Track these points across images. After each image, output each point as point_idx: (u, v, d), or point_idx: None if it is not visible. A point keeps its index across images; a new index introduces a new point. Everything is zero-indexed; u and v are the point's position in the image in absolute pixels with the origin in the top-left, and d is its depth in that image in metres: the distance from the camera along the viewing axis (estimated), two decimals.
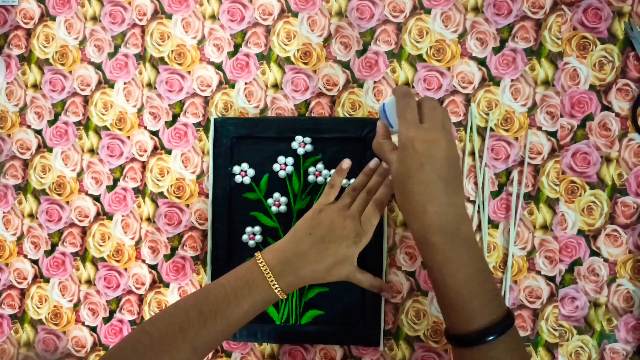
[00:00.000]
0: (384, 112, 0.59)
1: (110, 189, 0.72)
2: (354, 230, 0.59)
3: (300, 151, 0.68)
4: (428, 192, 0.51)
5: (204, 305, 0.54)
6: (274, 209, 0.68)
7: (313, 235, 0.58)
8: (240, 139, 0.69)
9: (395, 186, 0.54)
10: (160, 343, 0.52)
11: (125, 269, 0.71)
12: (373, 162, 0.64)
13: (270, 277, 0.55)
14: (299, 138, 0.68)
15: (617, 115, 0.67)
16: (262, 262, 0.56)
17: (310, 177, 0.68)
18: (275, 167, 0.68)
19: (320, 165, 0.68)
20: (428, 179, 0.51)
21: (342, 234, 0.58)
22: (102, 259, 0.72)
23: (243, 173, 0.69)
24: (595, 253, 0.66)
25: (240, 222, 0.68)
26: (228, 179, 0.68)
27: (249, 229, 0.68)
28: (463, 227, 0.52)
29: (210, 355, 0.69)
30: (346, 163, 0.64)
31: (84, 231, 0.72)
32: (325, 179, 0.68)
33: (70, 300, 0.72)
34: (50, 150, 0.73)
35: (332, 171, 0.67)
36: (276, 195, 0.68)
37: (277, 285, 0.55)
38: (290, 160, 0.68)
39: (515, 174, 0.67)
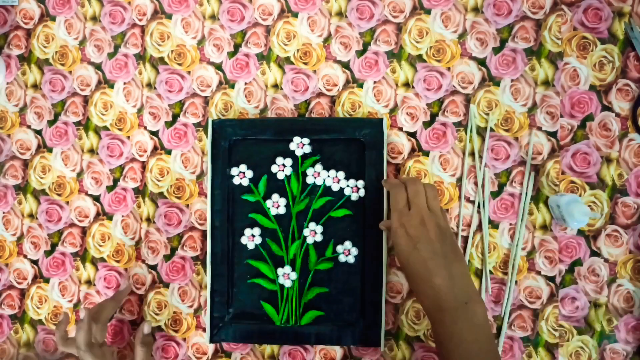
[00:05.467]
0: (558, 209, 0.63)
1: (110, 189, 0.72)
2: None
3: (299, 152, 0.68)
4: (429, 268, 0.55)
5: None
6: (272, 210, 0.68)
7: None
8: (239, 141, 0.68)
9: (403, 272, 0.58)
10: None
11: (125, 269, 0.71)
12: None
13: None
14: (297, 139, 0.68)
15: (617, 115, 0.67)
16: None
17: (309, 178, 0.68)
18: (274, 168, 0.68)
19: (318, 166, 0.68)
20: (424, 256, 0.55)
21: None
22: (102, 259, 0.72)
23: (241, 175, 0.68)
24: (595, 253, 0.66)
25: (239, 224, 0.68)
26: (227, 181, 0.68)
27: (248, 231, 0.68)
28: (471, 305, 0.54)
29: (210, 354, 0.69)
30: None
31: (84, 231, 0.72)
32: (324, 179, 0.67)
33: (70, 301, 0.72)
34: (50, 150, 0.73)
35: (331, 172, 0.67)
36: (275, 196, 0.68)
37: None
38: (288, 161, 0.68)
39: (526, 177, 0.67)
